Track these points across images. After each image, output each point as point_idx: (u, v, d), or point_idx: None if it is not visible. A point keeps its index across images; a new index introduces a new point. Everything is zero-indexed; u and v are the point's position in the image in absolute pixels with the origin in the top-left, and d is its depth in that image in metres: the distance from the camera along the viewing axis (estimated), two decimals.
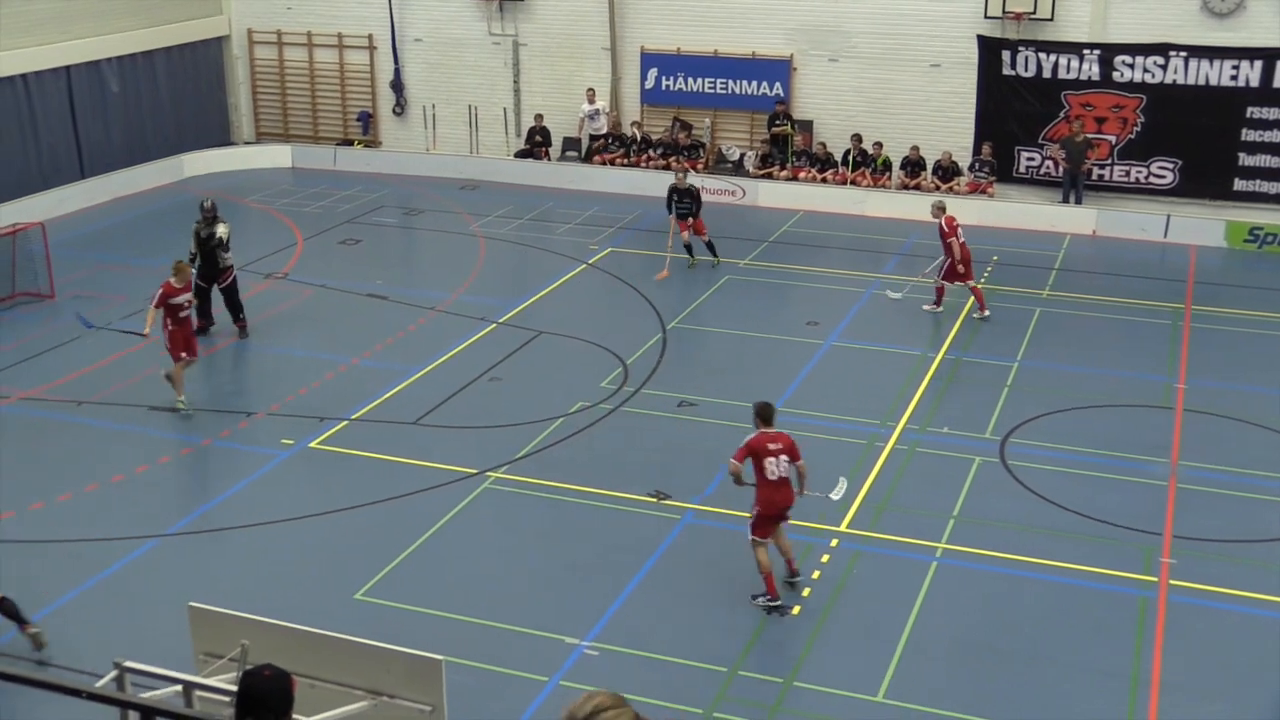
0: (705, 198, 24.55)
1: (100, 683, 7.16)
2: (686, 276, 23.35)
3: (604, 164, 29.62)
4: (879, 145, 27.89)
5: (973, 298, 21.35)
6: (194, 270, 19.99)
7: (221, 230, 20.30)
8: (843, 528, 14.64)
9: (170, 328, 17.60)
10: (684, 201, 23.51)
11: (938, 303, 21.45)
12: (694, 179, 28.25)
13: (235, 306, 20.49)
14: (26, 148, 27.61)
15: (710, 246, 23.75)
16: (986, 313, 21.15)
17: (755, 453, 12.90)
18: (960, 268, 21.02)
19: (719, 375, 18.98)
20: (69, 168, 28.54)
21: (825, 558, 14.11)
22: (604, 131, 30.00)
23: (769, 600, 13.12)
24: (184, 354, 17.77)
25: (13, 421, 17.66)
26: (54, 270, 22.33)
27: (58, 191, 27.40)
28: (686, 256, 23.66)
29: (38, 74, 27.73)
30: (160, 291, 17.59)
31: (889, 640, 12.63)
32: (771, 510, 13.05)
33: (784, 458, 12.94)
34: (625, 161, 29.65)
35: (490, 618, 12.96)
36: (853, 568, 13.94)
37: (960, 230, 21.04)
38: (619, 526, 14.80)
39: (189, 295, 17.98)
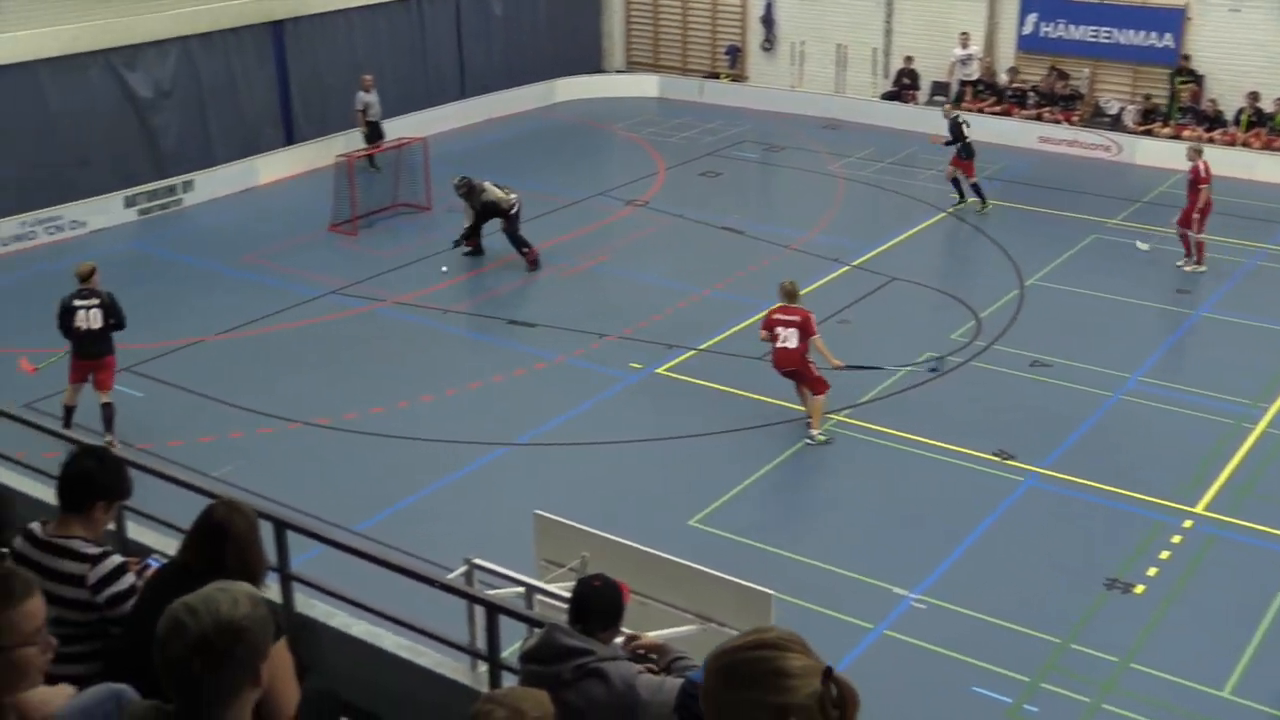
0: (1077, 151, 23.50)
1: (451, 575, 7.56)
2: (1046, 232, 22.40)
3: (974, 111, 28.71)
4: None
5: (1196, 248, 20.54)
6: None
7: (496, 195, 20.43)
8: (1199, 509, 13.80)
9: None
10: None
11: (1199, 260, 20.46)
12: (1066, 132, 27.08)
13: (518, 242, 20.63)
14: (414, 67, 29.11)
15: (976, 189, 23.20)
16: (1203, 267, 20.39)
17: None
18: (1197, 214, 20.27)
19: (1077, 337, 18.13)
20: (451, 86, 29.96)
21: (1176, 538, 13.34)
22: (975, 77, 29.05)
23: None
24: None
25: (386, 323, 18.84)
26: (431, 183, 23.57)
27: (440, 109, 28.84)
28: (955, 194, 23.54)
29: None
30: (811, 318, 15.32)
31: (1242, 634, 11.83)
32: None
33: None
34: (997, 110, 28.61)
35: (819, 559, 12.94)
36: (1207, 552, 13.14)
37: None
38: (958, 482, 14.45)
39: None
